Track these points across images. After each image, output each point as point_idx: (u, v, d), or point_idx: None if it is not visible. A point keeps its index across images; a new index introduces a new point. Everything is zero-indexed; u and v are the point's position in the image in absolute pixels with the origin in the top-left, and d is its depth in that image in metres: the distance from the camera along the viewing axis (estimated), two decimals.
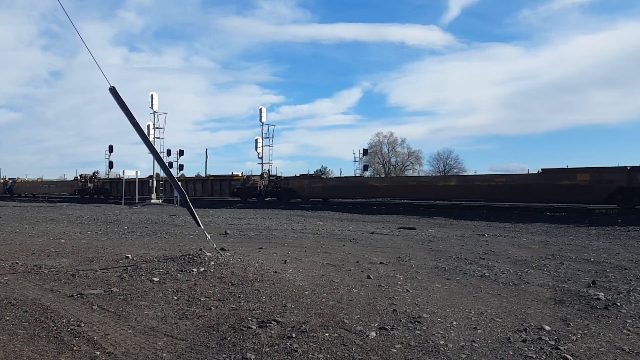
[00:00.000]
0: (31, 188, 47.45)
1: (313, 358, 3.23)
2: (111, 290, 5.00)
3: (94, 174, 41.91)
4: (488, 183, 21.28)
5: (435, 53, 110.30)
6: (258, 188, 30.37)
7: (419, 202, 24.23)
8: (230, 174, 33.36)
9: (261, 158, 38.26)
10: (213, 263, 6.26)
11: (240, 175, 32.55)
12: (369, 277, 5.93)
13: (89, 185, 40.27)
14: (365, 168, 33.74)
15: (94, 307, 4.42)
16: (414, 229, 13.43)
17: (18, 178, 50.82)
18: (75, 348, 3.38)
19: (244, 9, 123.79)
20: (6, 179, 51.01)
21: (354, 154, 45.36)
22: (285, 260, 6.99)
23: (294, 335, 3.65)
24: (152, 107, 34.20)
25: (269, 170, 32.08)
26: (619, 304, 4.68)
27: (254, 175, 32.10)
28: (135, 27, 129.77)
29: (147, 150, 28.28)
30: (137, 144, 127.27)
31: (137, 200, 31.63)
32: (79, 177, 42.49)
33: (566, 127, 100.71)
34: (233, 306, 4.46)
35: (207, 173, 47.65)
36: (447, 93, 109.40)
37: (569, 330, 3.90)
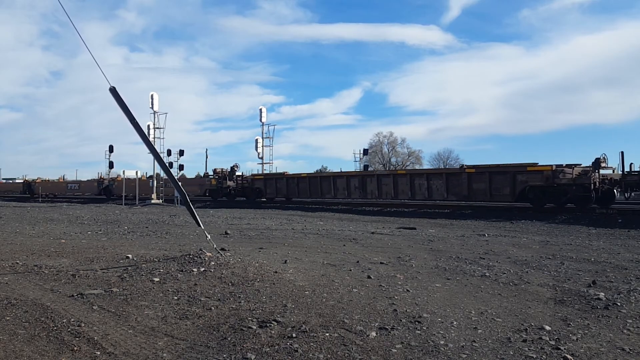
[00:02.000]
0: (140, 188, 34.48)
1: (313, 358, 3.23)
2: (111, 290, 5.00)
3: (232, 168, 31.20)
4: None
5: (435, 53, 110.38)
6: (593, 185, 16.50)
7: (417, 202, 22.89)
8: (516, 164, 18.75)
9: (261, 158, 38.42)
10: (213, 263, 6.26)
11: (542, 165, 17.79)
12: (369, 277, 5.93)
13: (228, 183, 30.44)
14: (366, 168, 33.71)
15: (94, 307, 4.42)
16: (415, 229, 13.42)
17: (118, 176, 37.86)
18: (75, 348, 3.38)
19: (244, 9, 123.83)
20: (102, 177, 39.75)
21: (354, 154, 45.38)
22: (286, 260, 6.99)
23: (294, 335, 3.65)
24: (152, 107, 34.29)
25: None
26: (619, 304, 4.67)
27: (577, 166, 17.41)
28: (136, 27, 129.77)
29: (148, 150, 28.02)
30: (137, 144, 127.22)
31: (137, 200, 31.62)
32: (211, 173, 32.67)
33: (566, 127, 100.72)
34: (233, 306, 4.46)
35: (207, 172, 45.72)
36: (447, 93, 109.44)
37: (569, 330, 3.90)
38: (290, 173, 28.77)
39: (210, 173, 33.34)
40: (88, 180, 42.95)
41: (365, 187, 24.02)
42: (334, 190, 25.37)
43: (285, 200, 28.21)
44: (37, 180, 46.87)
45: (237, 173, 31.22)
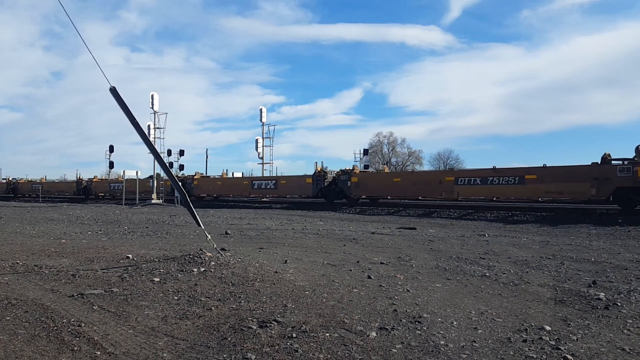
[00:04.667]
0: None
1: (313, 358, 3.23)
2: (112, 290, 5.00)
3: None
4: None
5: (436, 53, 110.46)
6: None
7: (418, 202, 22.44)
8: None
9: (261, 158, 38.42)
10: (213, 263, 6.26)
11: None
12: (369, 277, 5.93)
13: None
14: (366, 168, 33.64)
15: (94, 307, 4.42)
16: (415, 229, 13.42)
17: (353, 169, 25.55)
18: (75, 348, 3.38)
19: (245, 10, 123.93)
20: (331, 172, 26.60)
21: (354, 154, 45.33)
22: (286, 260, 6.99)
23: (294, 335, 3.65)
24: (152, 107, 34.27)
25: None
26: (619, 304, 4.67)
27: None
28: (137, 27, 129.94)
29: (148, 150, 27.51)
30: (137, 144, 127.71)
31: (137, 200, 31.61)
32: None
33: (566, 127, 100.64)
34: (233, 306, 4.46)
35: (207, 173, 44.26)
36: (447, 93, 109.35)
37: (569, 330, 3.90)
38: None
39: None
40: (297, 176, 28.70)
41: None
42: None
43: None
44: (197, 176, 34.24)
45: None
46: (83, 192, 40.20)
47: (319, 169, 26.97)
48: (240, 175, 34.87)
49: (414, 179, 23.26)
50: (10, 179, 51.40)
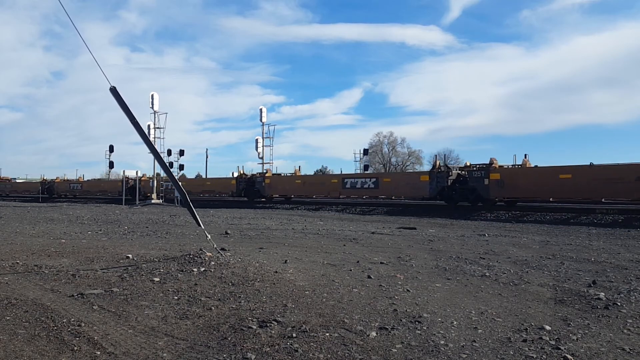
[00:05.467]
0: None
1: (313, 358, 3.23)
2: (112, 290, 5.00)
3: None
4: None
5: (436, 53, 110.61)
6: None
7: (419, 202, 22.03)
8: None
9: (261, 158, 38.38)
10: (213, 263, 6.26)
11: None
12: (369, 277, 5.93)
13: None
14: (366, 168, 33.62)
15: (94, 307, 4.42)
16: (415, 229, 13.42)
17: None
18: (75, 348, 3.38)
19: (245, 10, 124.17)
20: (455, 168, 23.08)
21: (354, 153, 45.25)
22: (286, 260, 6.99)
23: (294, 335, 3.65)
24: (152, 107, 34.26)
25: None
26: (619, 304, 4.67)
27: None
28: (137, 27, 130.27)
29: (148, 150, 27.40)
30: (137, 144, 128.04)
31: (137, 200, 31.58)
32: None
33: (566, 127, 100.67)
34: (233, 306, 4.46)
35: (208, 173, 42.57)
36: (447, 93, 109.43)
37: (569, 330, 3.90)
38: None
39: None
40: (407, 173, 25.03)
41: None
42: None
43: None
44: (268, 174, 29.73)
45: None
46: (129, 192, 35.13)
47: (438, 165, 22.07)
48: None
49: (594, 175, 17.53)
50: (44, 178, 48.44)
